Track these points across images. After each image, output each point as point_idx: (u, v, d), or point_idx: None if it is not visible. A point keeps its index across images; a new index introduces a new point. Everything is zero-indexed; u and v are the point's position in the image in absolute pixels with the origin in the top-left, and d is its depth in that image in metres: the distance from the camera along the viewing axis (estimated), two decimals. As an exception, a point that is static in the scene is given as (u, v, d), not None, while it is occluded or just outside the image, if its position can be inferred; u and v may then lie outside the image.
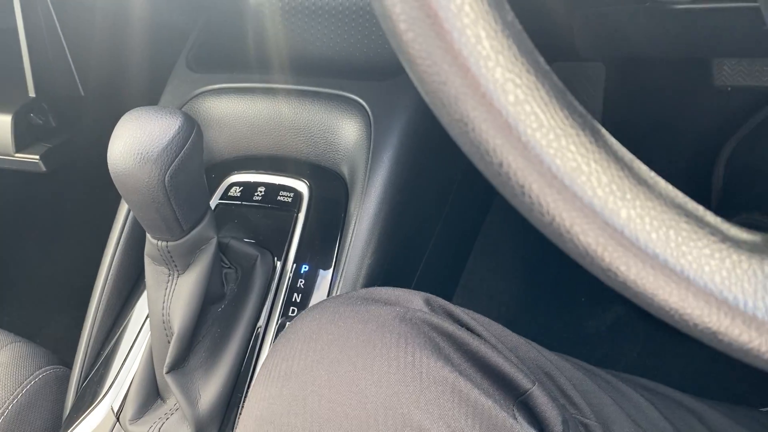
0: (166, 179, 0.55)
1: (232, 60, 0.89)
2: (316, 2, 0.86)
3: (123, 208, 0.82)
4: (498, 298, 1.38)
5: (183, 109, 0.84)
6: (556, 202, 0.26)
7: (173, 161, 0.55)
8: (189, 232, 0.61)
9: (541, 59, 0.27)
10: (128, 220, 0.80)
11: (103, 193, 0.89)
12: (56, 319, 1.44)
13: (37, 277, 1.51)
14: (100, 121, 0.88)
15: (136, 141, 0.54)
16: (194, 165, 0.58)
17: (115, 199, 0.77)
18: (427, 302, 0.53)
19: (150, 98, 0.93)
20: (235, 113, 0.83)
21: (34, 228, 1.52)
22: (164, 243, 0.61)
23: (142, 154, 0.54)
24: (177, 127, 0.55)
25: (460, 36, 0.25)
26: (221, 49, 0.93)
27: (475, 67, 0.26)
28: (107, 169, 0.56)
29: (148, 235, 0.62)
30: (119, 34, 1.05)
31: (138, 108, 0.58)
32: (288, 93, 0.82)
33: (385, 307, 0.51)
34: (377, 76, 0.79)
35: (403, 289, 0.55)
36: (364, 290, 0.56)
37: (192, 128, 0.57)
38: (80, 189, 1.39)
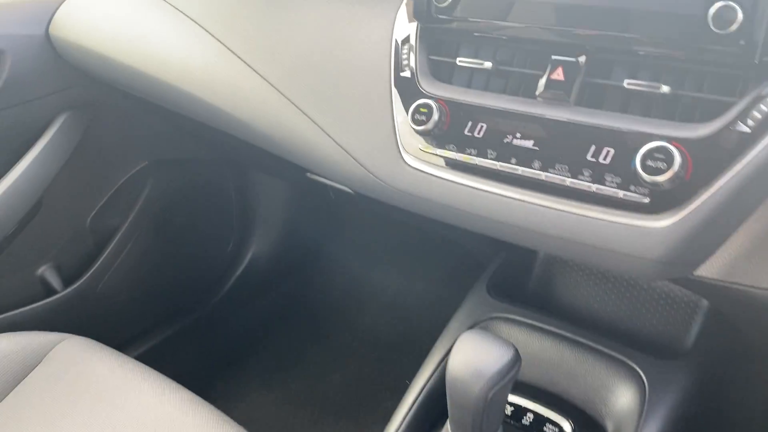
0: (489, 395, 0.70)
1: (524, 295, 1.06)
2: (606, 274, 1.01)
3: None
4: None
5: (476, 328, 1.01)
6: None
7: (498, 382, 0.70)
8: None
9: None
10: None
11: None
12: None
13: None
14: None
15: (476, 359, 0.70)
16: (507, 390, 0.72)
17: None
18: None
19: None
20: (522, 342, 0.98)
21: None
22: (461, 439, 0.74)
23: (479, 370, 0.69)
24: (510, 357, 0.70)
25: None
26: (516, 284, 1.10)
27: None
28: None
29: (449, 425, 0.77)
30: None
31: (475, 331, 0.75)
32: (572, 340, 0.95)
33: None
34: (657, 352, 0.90)
35: None
36: None
37: (517, 362, 0.71)
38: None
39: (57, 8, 1.27)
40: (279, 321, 1.87)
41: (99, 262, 1.47)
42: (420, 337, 1.74)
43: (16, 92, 1.24)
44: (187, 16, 1.11)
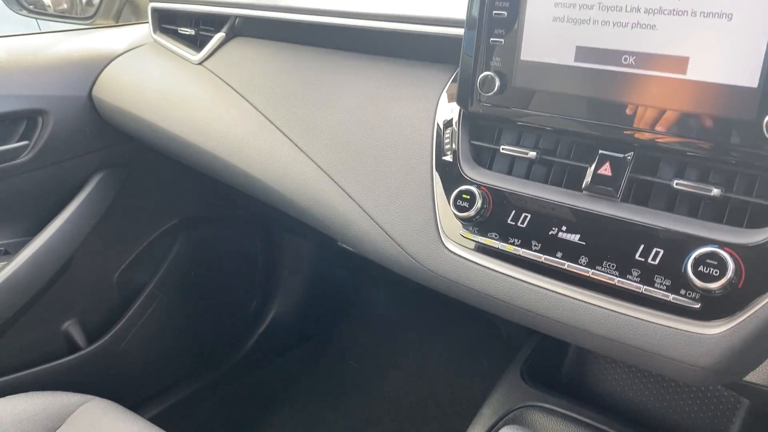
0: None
1: (559, 380, 1.04)
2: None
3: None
4: None
5: (510, 416, 0.98)
6: None
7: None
8: None
9: None
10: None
11: None
12: None
13: None
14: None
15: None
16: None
17: None
18: None
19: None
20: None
21: None
22: None
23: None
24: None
25: None
26: (550, 368, 1.08)
27: None
28: None
29: None
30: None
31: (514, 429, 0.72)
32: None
33: None
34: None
35: None
36: None
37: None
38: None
39: (101, 71, 1.30)
40: (298, 382, 1.84)
41: (124, 320, 1.47)
42: (441, 407, 1.70)
43: (56, 151, 1.27)
44: (230, 86, 1.13)
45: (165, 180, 1.49)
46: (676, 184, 0.66)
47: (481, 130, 0.82)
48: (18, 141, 1.22)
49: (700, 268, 0.60)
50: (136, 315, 1.49)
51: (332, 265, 1.89)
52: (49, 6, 1.95)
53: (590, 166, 0.71)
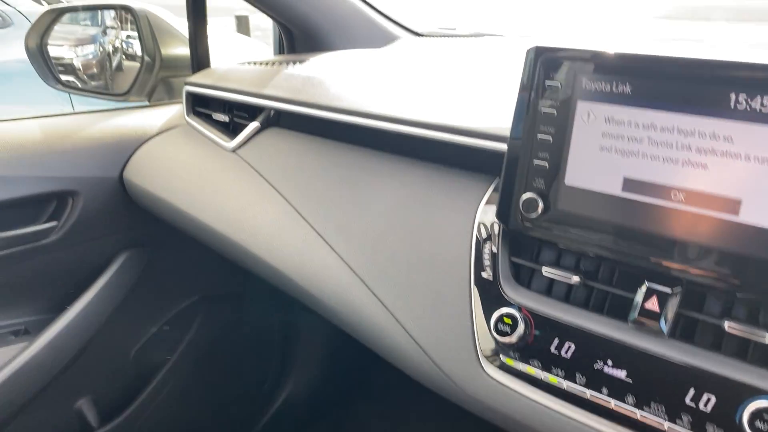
0: None
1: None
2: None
3: None
4: None
5: None
6: None
7: None
8: None
9: None
10: None
11: None
12: None
13: None
14: None
15: None
16: None
17: None
18: None
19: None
20: None
21: None
22: None
23: None
24: None
25: None
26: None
27: None
28: None
29: None
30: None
31: None
32: None
33: None
34: None
35: None
36: None
37: None
38: None
39: (133, 152, 1.31)
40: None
41: (140, 400, 1.44)
42: None
43: (83, 231, 1.27)
44: (263, 177, 1.14)
45: (186, 257, 1.49)
46: (728, 327, 0.64)
47: (521, 245, 0.81)
48: (46, 221, 1.23)
49: (757, 423, 0.59)
50: (152, 394, 1.47)
51: (348, 342, 1.86)
52: (82, 78, 1.99)
53: (635, 296, 0.70)
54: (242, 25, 7.21)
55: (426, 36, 1.59)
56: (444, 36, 1.61)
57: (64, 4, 2.68)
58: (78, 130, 1.29)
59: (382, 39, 1.53)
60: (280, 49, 1.51)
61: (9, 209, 1.18)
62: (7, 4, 2.75)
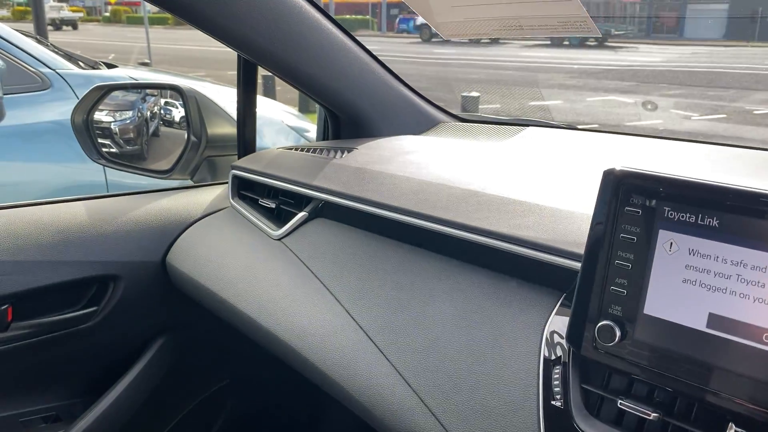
0: None
1: None
2: None
3: None
4: None
5: None
6: None
7: None
8: None
9: None
10: None
11: None
12: None
13: None
14: None
15: None
16: None
17: None
18: None
19: None
20: None
21: None
22: None
23: None
24: None
25: None
26: None
27: None
28: None
29: None
30: None
31: None
32: None
33: None
34: None
35: None
36: None
37: None
38: None
39: (176, 237, 1.29)
40: None
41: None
42: None
43: (122, 316, 1.24)
44: (310, 270, 1.11)
45: (220, 341, 1.46)
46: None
47: (589, 370, 0.78)
48: (86, 305, 1.20)
49: None
50: None
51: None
52: (118, 142, 2.00)
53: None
54: (269, 86, 7.33)
55: (468, 122, 1.58)
56: (485, 122, 1.60)
57: (112, 75, 2.75)
58: (122, 213, 1.28)
59: (425, 124, 1.53)
60: (325, 134, 1.51)
61: (51, 293, 1.16)
62: (48, 66, 2.80)
